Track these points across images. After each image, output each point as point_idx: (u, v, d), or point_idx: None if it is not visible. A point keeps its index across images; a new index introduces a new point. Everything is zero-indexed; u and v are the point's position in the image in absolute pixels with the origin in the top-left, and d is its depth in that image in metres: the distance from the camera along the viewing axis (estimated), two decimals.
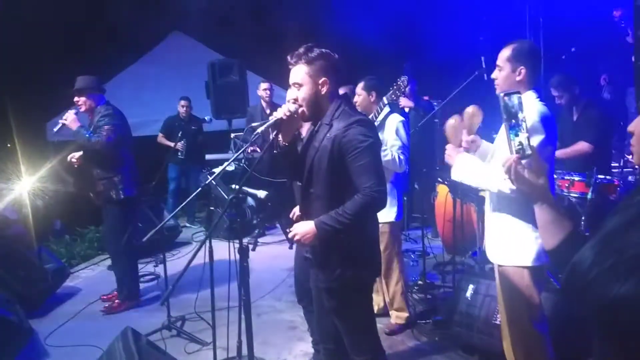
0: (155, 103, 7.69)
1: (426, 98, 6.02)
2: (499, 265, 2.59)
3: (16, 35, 7.61)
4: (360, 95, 3.74)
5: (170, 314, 3.96)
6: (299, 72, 2.34)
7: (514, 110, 1.39)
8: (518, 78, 2.44)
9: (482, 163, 2.50)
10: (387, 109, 3.74)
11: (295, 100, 2.37)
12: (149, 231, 3.03)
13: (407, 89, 3.80)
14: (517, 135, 1.38)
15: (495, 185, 2.30)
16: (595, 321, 1.07)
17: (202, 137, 7.37)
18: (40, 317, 4.38)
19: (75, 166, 4.44)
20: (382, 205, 2.30)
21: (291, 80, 2.38)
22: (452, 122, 2.65)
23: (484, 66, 4.20)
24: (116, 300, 4.54)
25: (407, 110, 5.80)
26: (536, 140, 2.30)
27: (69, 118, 4.28)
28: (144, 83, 8.23)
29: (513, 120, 1.39)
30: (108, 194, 4.38)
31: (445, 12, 5.73)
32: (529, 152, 1.36)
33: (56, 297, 4.80)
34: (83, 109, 4.39)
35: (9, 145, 7.20)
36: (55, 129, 4.47)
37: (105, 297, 4.70)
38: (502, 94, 1.39)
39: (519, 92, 1.41)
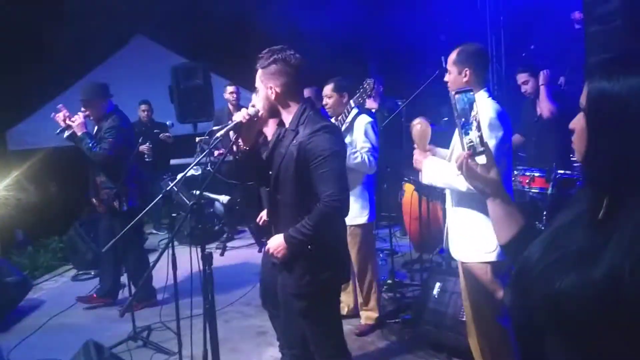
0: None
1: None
2: (462, 262, 2.63)
3: None
4: (331, 97, 3.71)
5: (135, 324, 3.88)
6: (257, 76, 2.40)
7: (464, 108, 1.40)
8: (464, 79, 2.54)
9: (448, 164, 2.53)
10: (355, 111, 3.75)
11: (254, 105, 2.39)
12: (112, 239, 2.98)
13: (373, 91, 3.81)
14: (468, 132, 1.38)
15: (463, 184, 2.31)
16: (542, 315, 1.08)
17: (171, 139, 7.26)
18: (2, 332, 4.26)
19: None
20: (343, 213, 2.34)
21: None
22: (417, 127, 2.68)
23: (444, 66, 4.23)
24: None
25: (373, 111, 5.82)
26: (494, 137, 2.36)
27: (77, 121, 4.24)
28: None
29: (464, 118, 1.39)
30: (111, 205, 4.36)
31: (407, 11, 5.77)
32: (480, 148, 1.37)
33: (19, 310, 4.66)
34: (91, 117, 4.39)
35: None
36: (57, 132, 4.35)
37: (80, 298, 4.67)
38: (453, 92, 1.40)
39: (471, 90, 1.42)
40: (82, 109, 4.36)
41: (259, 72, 2.36)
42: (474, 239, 2.53)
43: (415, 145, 2.64)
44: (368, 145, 3.63)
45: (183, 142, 7.17)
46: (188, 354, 3.06)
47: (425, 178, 2.58)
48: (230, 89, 6.42)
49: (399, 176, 5.27)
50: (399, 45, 5.55)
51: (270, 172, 2.42)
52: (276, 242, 2.34)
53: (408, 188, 5.12)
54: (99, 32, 7.75)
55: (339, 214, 2.30)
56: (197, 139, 6.57)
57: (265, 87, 2.36)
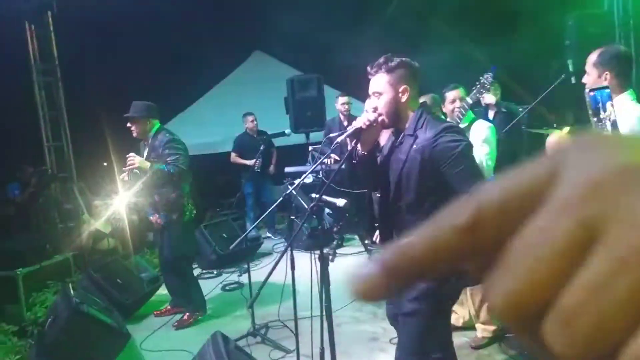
0: (236, 121, 8.01)
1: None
2: None
3: (110, 60, 8.23)
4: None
5: (254, 321, 4.08)
6: (379, 81, 2.36)
7: (598, 107, 1.35)
8: (604, 83, 2.41)
9: None
10: (471, 115, 3.69)
11: (375, 109, 2.39)
12: (233, 242, 3.19)
13: (490, 86, 3.71)
14: (602, 130, 1.33)
15: None
16: None
17: (274, 149, 7.58)
18: (135, 323, 4.65)
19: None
20: None
21: (371, 90, 2.40)
22: (555, 138, 2.55)
23: (571, 70, 4.03)
24: (186, 313, 4.64)
25: (490, 108, 5.62)
26: None
27: (137, 160, 4.23)
28: (227, 103, 8.60)
29: (598, 116, 1.34)
30: (173, 216, 4.50)
31: (530, 14, 5.54)
32: None
33: (150, 305, 5.06)
34: (135, 134, 4.47)
35: (105, 164, 7.76)
36: (126, 178, 4.39)
37: (158, 312, 4.85)
38: (587, 90, 1.35)
39: (607, 87, 1.36)
40: (128, 124, 4.44)
41: (384, 77, 2.34)
42: None
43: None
44: (486, 149, 3.53)
45: (297, 151, 7.44)
46: (304, 353, 3.18)
47: None
48: (342, 100, 6.55)
49: None
50: (521, 49, 5.34)
51: (389, 179, 2.41)
52: None
53: None
54: (220, 50, 8.31)
55: None
56: (310, 147, 6.82)
57: (394, 91, 2.34)
